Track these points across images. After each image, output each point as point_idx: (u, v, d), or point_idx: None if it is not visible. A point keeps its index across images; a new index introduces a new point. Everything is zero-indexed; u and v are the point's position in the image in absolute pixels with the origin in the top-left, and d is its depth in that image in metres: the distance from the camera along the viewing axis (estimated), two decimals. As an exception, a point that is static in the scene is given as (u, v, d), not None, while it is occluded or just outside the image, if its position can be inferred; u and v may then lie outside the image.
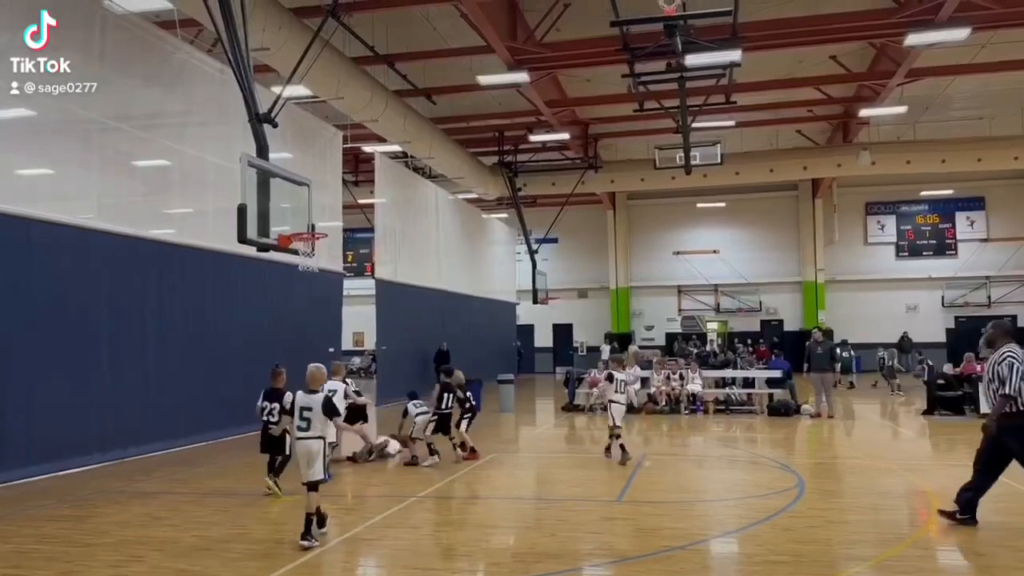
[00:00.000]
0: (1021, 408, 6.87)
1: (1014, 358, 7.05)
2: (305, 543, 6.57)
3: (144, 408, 12.02)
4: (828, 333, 30.84)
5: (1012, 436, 6.93)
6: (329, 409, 7.01)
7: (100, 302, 11.28)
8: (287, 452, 8.81)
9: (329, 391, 7.84)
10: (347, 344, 28.94)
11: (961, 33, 15.42)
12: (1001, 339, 7.39)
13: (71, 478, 10.09)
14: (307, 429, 6.93)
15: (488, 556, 6.53)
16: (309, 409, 6.95)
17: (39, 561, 6.39)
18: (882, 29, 16.39)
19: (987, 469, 7.22)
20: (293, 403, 7.19)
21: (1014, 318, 30.85)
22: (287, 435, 8.65)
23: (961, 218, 32.02)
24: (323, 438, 7.01)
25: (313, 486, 6.78)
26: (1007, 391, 6.88)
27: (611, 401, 10.96)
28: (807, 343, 17.15)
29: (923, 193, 31.56)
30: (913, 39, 15.82)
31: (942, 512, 7.31)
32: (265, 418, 8.88)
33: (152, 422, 12.14)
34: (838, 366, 16.04)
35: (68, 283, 10.72)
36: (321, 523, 6.91)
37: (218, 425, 13.49)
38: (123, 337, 11.66)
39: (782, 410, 16.32)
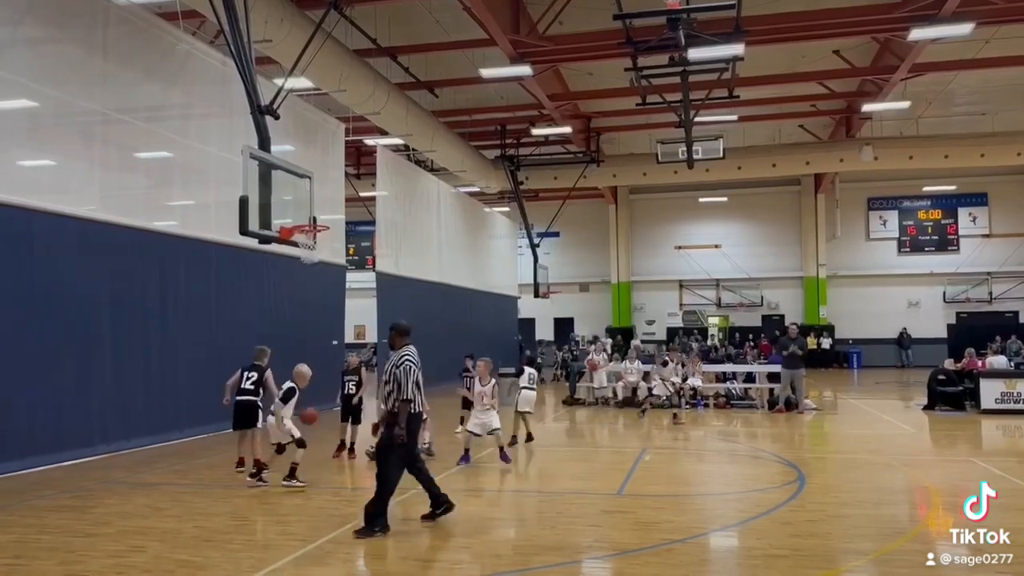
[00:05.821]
0: (417, 410, 6.98)
1: (411, 362, 7.01)
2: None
3: (146, 399, 12.07)
4: (830, 328, 31.03)
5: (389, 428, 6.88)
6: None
7: (102, 293, 11.30)
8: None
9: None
10: (349, 337, 28.98)
11: (965, 28, 15.40)
12: (398, 340, 7.23)
13: (73, 469, 10.12)
14: None
15: (488, 548, 6.54)
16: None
17: (41, 551, 6.42)
18: (885, 23, 16.36)
19: (411, 470, 7.10)
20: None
21: (1015, 314, 30.89)
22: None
23: (963, 214, 32.00)
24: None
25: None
26: (405, 396, 6.86)
27: None
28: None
29: (925, 188, 31.53)
30: (916, 34, 15.80)
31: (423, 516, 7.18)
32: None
33: (154, 413, 12.18)
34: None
35: (70, 274, 10.73)
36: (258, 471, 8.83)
37: (220, 417, 13.41)
38: (125, 328, 11.67)
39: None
